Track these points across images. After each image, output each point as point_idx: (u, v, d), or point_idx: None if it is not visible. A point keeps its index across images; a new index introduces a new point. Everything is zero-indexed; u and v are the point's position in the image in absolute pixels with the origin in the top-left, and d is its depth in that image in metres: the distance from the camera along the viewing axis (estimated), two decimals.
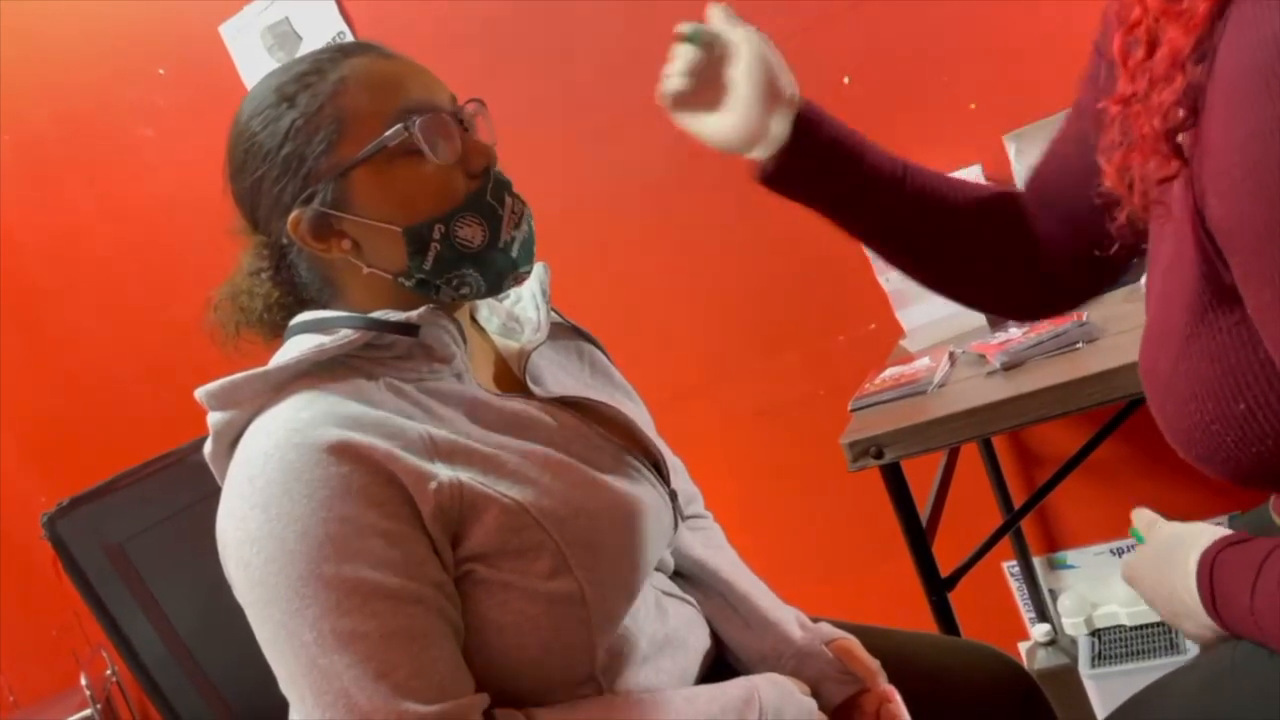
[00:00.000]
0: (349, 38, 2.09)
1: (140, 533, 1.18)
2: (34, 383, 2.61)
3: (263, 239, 0.91)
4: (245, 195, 0.90)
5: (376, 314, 0.86)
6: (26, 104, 2.40)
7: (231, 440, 0.83)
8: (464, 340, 0.90)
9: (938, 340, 1.60)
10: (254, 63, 2.18)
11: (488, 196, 0.88)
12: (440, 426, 0.84)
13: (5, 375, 2.63)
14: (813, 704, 0.93)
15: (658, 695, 0.88)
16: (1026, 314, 1.13)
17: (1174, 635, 1.77)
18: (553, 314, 1.04)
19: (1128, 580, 0.87)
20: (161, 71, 2.27)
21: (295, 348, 0.85)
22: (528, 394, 0.94)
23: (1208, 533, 0.79)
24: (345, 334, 0.84)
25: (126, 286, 2.44)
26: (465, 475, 0.80)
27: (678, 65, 0.90)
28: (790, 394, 2.00)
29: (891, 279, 1.68)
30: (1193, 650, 1.70)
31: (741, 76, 0.89)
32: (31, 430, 2.66)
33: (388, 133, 0.85)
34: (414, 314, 0.85)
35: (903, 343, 1.69)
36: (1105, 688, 1.74)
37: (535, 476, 0.84)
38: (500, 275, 0.90)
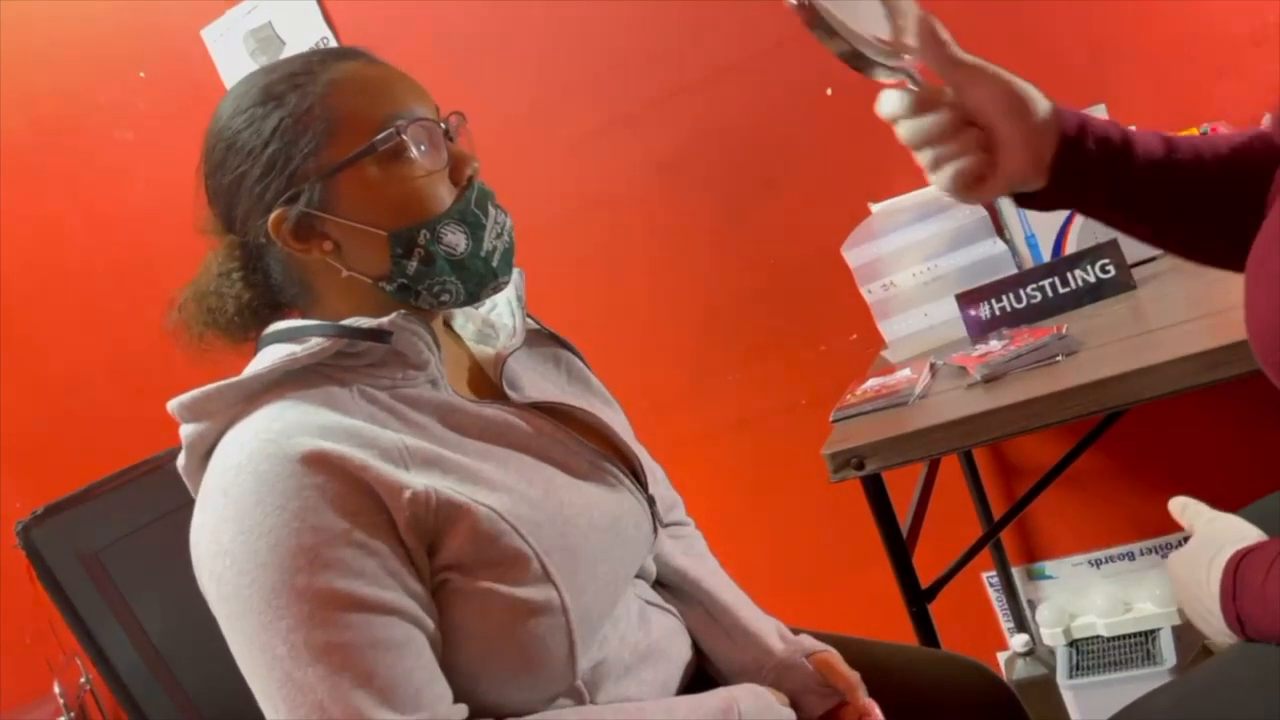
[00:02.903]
0: (332, 42, 2.09)
1: (115, 541, 1.17)
2: (8, 388, 2.58)
3: (235, 239, 0.90)
4: (222, 193, 0.89)
5: (348, 321, 0.86)
6: (3, 105, 2.38)
7: (204, 452, 0.83)
8: (438, 346, 0.89)
9: (919, 352, 1.61)
10: (236, 66, 2.17)
11: (472, 205, 0.89)
12: (414, 434, 0.83)
13: None
14: (791, 715, 0.93)
15: (637, 706, 0.88)
16: None
17: (1151, 646, 1.78)
18: (529, 320, 1.04)
19: (1170, 576, 0.88)
20: (142, 74, 2.25)
21: (267, 358, 0.85)
22: (504, 400, 0.93)
23: (1237, 535, 0.80)
24: (317, 342, 0.83)
25: (104, 291, 2.41)
26: (440, 483, 0.80)
27: (931, 154, 0.77)
28: (771, 404, 2.00)
29: (873, 290, 1.69)
30: (1170, 660, 1.71)
31: (990, 115, 0.76)
32: (5, 436, 2.63)
33: (379, 136, 0.85)
34: (385, 320, 0.85)
35: (884, 353, 1.69)
36: (1083, 698, 1.75)
37: (511, 483, 0.84)
38: (480, 284, 0.90)
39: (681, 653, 1.00)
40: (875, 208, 1.77)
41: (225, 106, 0.90)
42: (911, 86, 0.76)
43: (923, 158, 0.78)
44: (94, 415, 2.48)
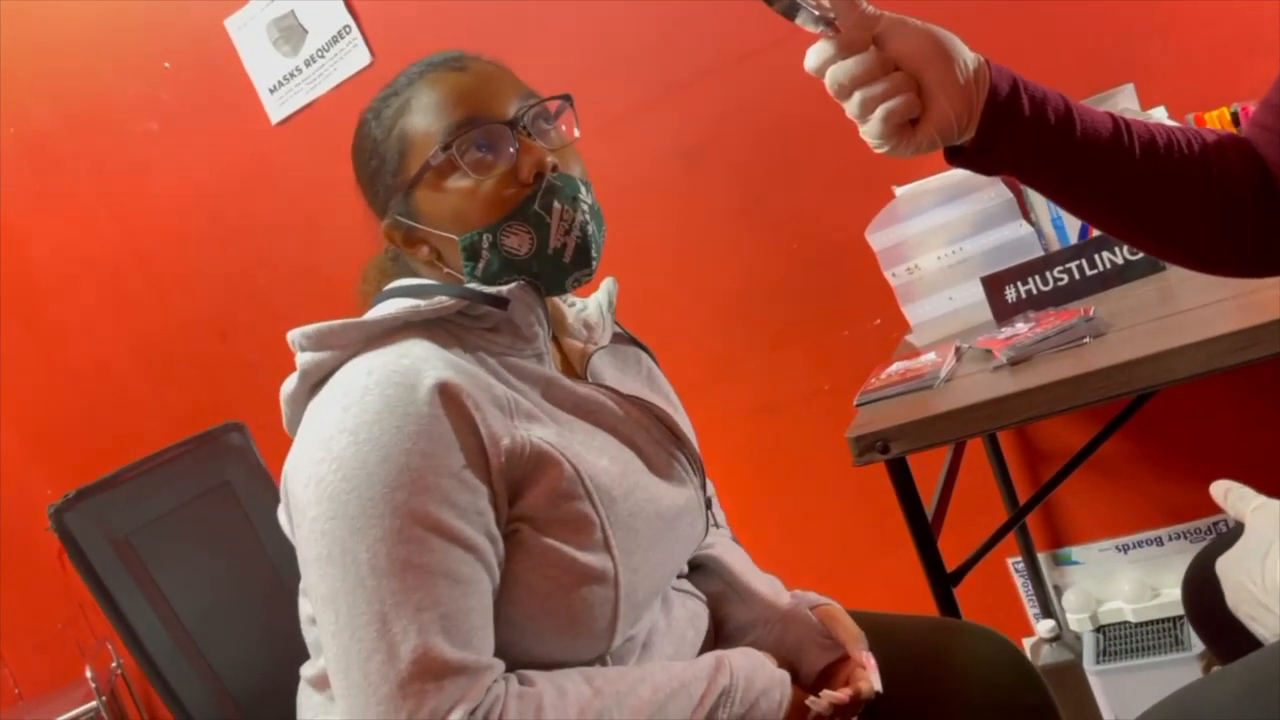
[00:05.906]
0: (355, 32, 2.09)
1: (146, 525, 1.18)
2: (37, 376, 2.61)
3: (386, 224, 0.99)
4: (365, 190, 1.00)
5: (471, 285, 0.92)
6: (30, 97, 2.40)
7: (316, 381, 0.87)
8: (549, 321, 0.94)
9: (943, 335, 1.60)
10: (259, 57, 2.18)
11: (535, 205, 0.91)
12: (519, 396, 0.88)
13: (9, 368, 2.63)
14: (784, 675, 0.95)
15: (637, 667, 0.91)
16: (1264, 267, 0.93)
17: (1179, 632, 1.77)
18: (615, 326, 1.09)
19: (1220, 578, 0.85)
20: (167, 65, 2.27)
21: (391, 307, 0.90)
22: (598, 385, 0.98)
23: None
24: (440, 299, 0.89)
25: (130, 280, 2.43)
26: (536, 434, 0.84)
27: (859, 98, 0.76)
28: (795, 389, 2.00)
29: (898, 273, 1.68)
30: (1198, 646, 1.69)
31: (915, 60, 0.76)
32: (34, 423, 2.66)
33: (429, 154, 0.90)
34: (504, 289, 0.90)
35: (908, 337, 1.69)
36: (1110, 684, 1.74)
37: (595, 457, 0.88)
38: (559, 278, 0.94)
39: (698, 635, 1.02)
40: (899, 191, 1.76)
41: (364, 111, 0.97)
42: (832, 34, 0.75)
43: (851, 105, 0.77)
44: (120, 401, 2.51)
